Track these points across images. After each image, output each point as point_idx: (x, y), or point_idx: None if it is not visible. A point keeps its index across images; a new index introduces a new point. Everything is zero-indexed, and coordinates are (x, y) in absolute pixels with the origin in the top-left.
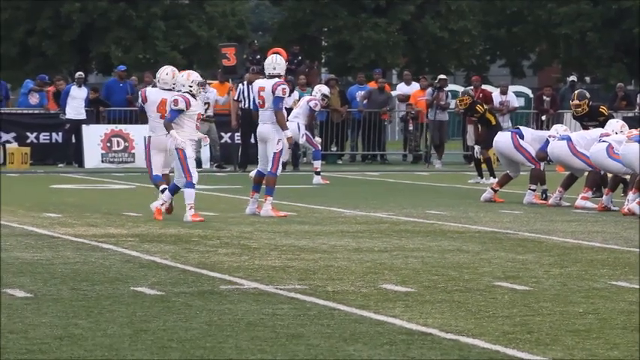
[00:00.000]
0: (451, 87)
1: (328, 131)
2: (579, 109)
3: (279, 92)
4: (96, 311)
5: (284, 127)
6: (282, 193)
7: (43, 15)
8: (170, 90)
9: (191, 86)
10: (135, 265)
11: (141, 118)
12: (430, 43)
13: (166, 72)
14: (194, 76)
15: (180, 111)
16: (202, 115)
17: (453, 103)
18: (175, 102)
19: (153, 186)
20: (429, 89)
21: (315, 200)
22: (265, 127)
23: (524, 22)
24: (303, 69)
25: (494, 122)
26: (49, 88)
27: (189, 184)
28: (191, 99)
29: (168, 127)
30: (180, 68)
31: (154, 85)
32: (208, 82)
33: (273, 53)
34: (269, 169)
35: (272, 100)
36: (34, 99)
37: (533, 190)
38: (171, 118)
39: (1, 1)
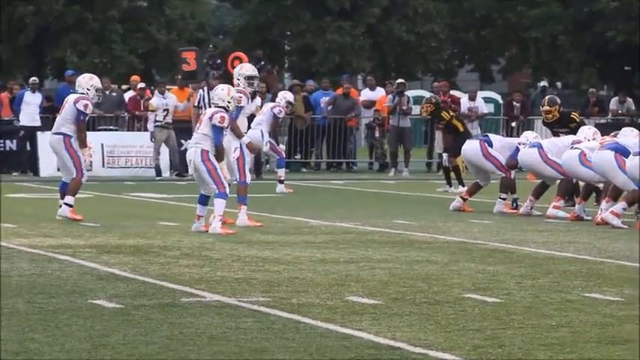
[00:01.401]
0: (418, 92)
1: (292, 138)
2: (550, 116)
3: None
4: (53, 325)
5: (239, 136)
6: None
7: None
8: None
9: (229, 102)
10: (93, 277)
11: None
12: (396, 46)
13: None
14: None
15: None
16: (161, 121)
17: (416, 108)
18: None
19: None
20: (390, 95)
21: (279, 210)
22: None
23: (494, 25)
24: (262, 75)
25: (462, 129)
26: (2, 95)
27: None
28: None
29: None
30: (140, 72)
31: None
32: (168, 87)
33: (234, 57)
34: (237, 179)
35: None
36: None
37: (504, 199)
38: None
39: None
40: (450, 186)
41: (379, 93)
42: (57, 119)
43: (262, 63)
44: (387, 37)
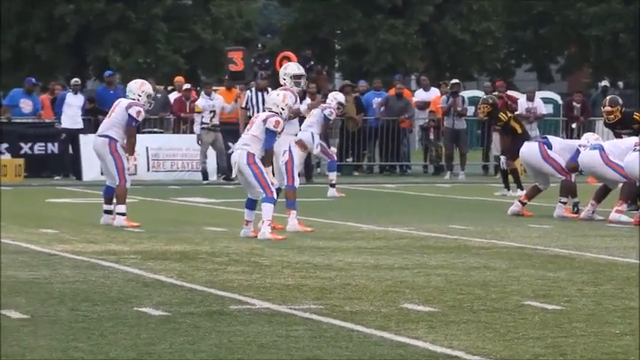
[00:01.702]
0: (474, 93)
1: (344, 141)
2: (611, 116)
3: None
4: (97, 333)
5: (297, 112)
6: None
7: (35, 17)
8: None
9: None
10: (138, 284)
11: None
12: (451, 45)
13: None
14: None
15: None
16: (207, 123)
17: (471, 109)
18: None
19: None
20: (444, 96)
21: (330, 214)
22: None
23: (552, 22)
24: (311, 75)
25: (520, 131)
26: (44, 97)
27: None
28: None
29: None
30: (185, 73)
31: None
32: (214, 88)
33: (283, 57)
34: (285, 183)
35: None
36: (26, 107)
37: (564, 203)
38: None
39: None
40: (508, 189)
41: (433, 93)
42: (104, 121)
43: (311, 63)
44: (441, 36)
